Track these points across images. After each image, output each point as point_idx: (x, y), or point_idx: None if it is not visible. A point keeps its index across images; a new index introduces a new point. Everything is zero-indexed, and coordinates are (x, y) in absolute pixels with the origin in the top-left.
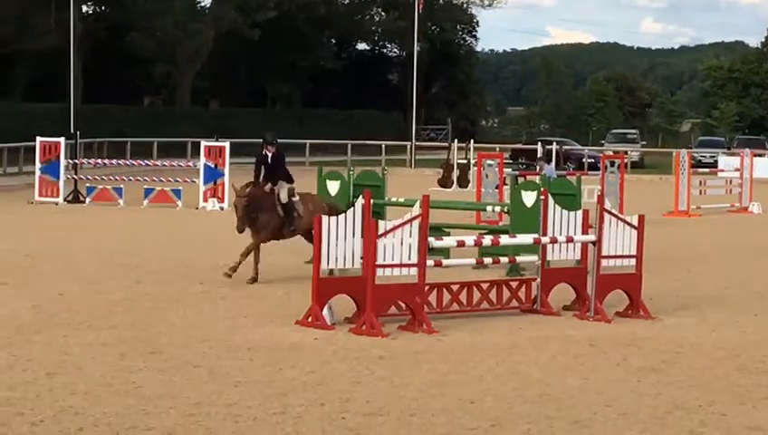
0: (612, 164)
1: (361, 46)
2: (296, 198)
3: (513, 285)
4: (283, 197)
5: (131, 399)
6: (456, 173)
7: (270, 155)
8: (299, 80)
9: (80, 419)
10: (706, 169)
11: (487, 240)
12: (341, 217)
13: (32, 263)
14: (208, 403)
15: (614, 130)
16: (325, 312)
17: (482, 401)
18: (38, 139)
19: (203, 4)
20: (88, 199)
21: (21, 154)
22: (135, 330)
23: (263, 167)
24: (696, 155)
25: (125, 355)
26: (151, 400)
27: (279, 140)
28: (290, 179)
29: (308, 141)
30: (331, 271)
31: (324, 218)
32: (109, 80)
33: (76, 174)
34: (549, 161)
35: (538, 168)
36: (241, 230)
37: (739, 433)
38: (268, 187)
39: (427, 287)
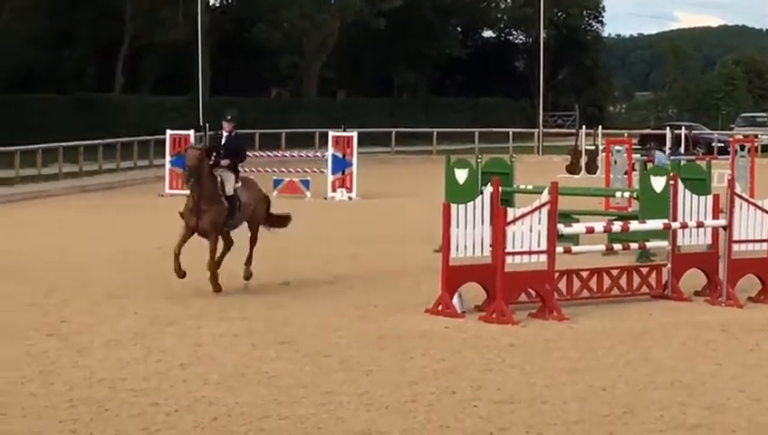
0: (742, 148)
1: (487, 34)
2: (239, 185)
3: (644, 270)
4: (229, 189)
5: (264, 388)
6: (584, 159)
7: (225, 134)
8: (425, 68)
9: (213, 409)
10: None
11: (617, 226)
12: (470, 204)
13: (163, 255)
14: (340, 392)
15: (744, 114)
16: (455, 300)
17: (613, 388)
18: (168, 131)
19: None
20: None
21: (151, 147)
22: (266, 320)
23: (216, 150)
24: None
25: (256, 346)
26: (283, 389)
27: (405, 129)
28: (237, 162)
29: (435, 130)
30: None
31: (453, 207)
32: (235, 72)
33: None
34: (660, 148)
35: (648, 155)
36: (187, 182)
37: None
38: (225, 162)
39: (556, 274)
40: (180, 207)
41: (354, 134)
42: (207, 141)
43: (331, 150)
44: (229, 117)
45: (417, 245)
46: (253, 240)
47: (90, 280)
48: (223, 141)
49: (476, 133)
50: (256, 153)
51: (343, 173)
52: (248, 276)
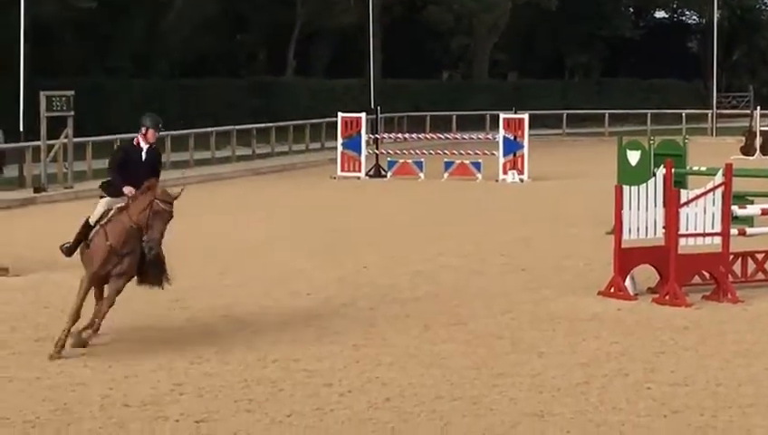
0: None
1: (659, 14)
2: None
3: (759, 257)
4: (96, 213)
5: (436, 369)
6: (759, 141)
7: (146, 147)
8: (597, 50)
9: (387, 389)
10: None
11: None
12: (642, 186)
13: (337, 237)
14: (512, 374)
15: None
16: (628, 282)
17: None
18: (339, 114)
19: None
20: (389, 173)
21: (323, 130)
22: (438, 302)
23: (132, 167)
24: None
25: (429, 327)
26: (456, 370)
27: (576, 111)
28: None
29: (606, 112)
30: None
31: (626, 188)
32: (407, 54)
33: (377, 148)
34: None
35: None
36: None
37: None
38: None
39: (731, 256)
40: (347, 190)
41: (525, 116)
42: (120, 155)
43: (502, 132)
44: (155, 123)
45: (588, 227)
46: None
47: (263, 262)
48: (143, 156)
49: (649, 115)
50: (427, 135)
51: (514, 155)
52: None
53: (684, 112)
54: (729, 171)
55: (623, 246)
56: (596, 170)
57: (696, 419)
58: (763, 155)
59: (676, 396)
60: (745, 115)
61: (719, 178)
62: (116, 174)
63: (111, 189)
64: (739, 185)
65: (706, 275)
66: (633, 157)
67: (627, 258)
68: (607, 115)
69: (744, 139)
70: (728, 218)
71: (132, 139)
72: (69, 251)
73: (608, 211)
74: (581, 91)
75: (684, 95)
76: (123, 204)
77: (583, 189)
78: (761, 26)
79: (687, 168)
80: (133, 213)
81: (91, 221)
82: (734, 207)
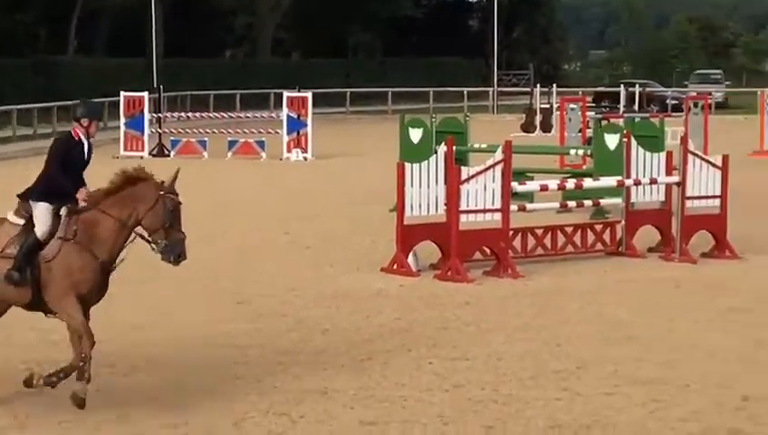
0: (696, 105)
1: None
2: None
3: (598, 227)
4: (45, 224)
5: (219, 349)
6: (538, 118)
7: (87, 143)
8: (379, 29)
9: (168, 369)
10: None
11: (571, 184)
12: (424, 164)
13: None
14: (296, 351)
15: (697, 71)
16: (410, 259)
17: (568, 344)
18: (122, 94)
19: None
20: (172, 153)
21: (105, 109)
22: (220, 281)
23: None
24: None
25: (212, 306)
26: (240, 349)
27: (360, 89)
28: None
29: (390, 90)
30: None
31: (407, 166)
32: (190, 33)
33: (160, 128)
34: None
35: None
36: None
37: None
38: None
39: (511, 232)
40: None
41: (309, 95)
42: (62, 151)
43: (285, 111)
44: (97, 113)
45: (372, 204)
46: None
47: None
48: (85, 153)
49: (431, 93)
50: (211, 114)
51: (298, 134)
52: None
53: (465, 90)
54: (508, 148)
55: (405, 222)
56: (379, 148)
57: (476, 392)
58: (543, 132)
59: (457, 370)
60: (525, 93)
61: (499, 155)
62: (60, 174)
63: (51, 195)
64: (519, 162)
65: (487, 250)
66: (415, 134)
67: (409, 235)
68: (390, 93)
69: (524, 116)
70: (508, 195)
71: (67, 131)
72: (19, 281)
73: (391, 188)
74: (365, 70)
75: (465, 73)
76: (77, 208)
77: (367, 167)
78: (540, 4)
79: (468, 145)
80: (125, 215)
81: (40, 234)
82: (514, 184)
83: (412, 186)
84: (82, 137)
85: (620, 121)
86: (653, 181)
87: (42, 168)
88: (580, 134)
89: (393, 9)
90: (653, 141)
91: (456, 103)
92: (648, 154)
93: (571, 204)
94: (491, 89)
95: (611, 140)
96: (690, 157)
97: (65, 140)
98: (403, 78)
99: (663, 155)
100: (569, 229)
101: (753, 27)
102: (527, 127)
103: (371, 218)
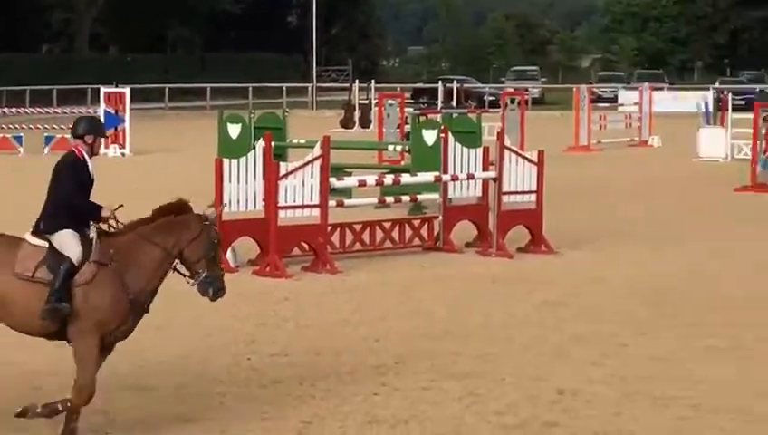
0: (513, 101)
1: None
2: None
3: (416, 223)
4: (75, 245)
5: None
6: (357, 114)
7: (90, 162)
8: (198, 24)
9: None
10: (606, 104)
11: (389, 179)
12: (242, 159)
13: None
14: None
15: (514, 68)
16: (228, 254)
17: (386, 340)
18: None
19: None
20: None
21: None
22: None
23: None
24: (595, 90)
25: None
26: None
27: (178, 85)
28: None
29: (209, 86)
30: None
31: (225, 162)
32: (6, 29)
33: None
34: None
35: None
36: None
37: (639, 363)
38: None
39: (329, 228)
40: None
41: (126, 90)
42: (73, 173)
43: (103, 107)
44: (102, 130)
45: (189, 200)
46: None
47: None
48: (91, 173)
49: (250, 89)
50: (27, 110)
51: (116, 129)
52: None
53: (285, 86)
54: (326, 144)
55: (224, 218)
56: (198, 144)
57: (295, 388)
58: (362, 128)
59: (276, 366)
60: (344, 89)
61: (317, 151)
62: (78, 197)
63: (69, 222)
64: (337, 157)
65: (306, 246)
66: (233, 130)
67: (228, 231)
68: (209, 89)
69: (343, 112)
70: (326, 190)
71: (68, 152)
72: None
73: (209, 184)
74: (184, 66)
75: (285, 69)
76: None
77: (185, 163)
78: (359, 1)
79: (287, 141)
80: (170, 244)
81: (76, 258)
82: (333, 179)
83: (230, 181)
84: (86, 155)
85: (438, 117)
86: (470, 177)
87: (48, 196)
88: (398, 130)
89: (212, 4)
90: (470, 137)
91: (276, 99)
92: (465, 150)
93: (390, 199)
94: (310, 85)
95: (429, 136)
96: (506, 152)
97: (73, 162)
98: (223, 74)
99: (480, 151)
100: (387, 225)
101: (568, 24)
102: (346, 123)
103: None
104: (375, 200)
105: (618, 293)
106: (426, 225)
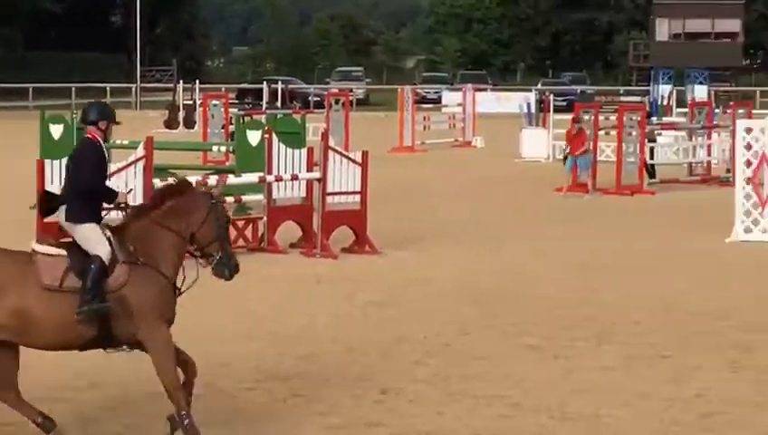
0: (337, 102)
1: None
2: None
3: (240, 224)
4: (102, 241)
5: None
6: (181, 114)
7: (105, 146)
8: (19, 22)
9: None
10: (430, 105)
11: (212, 180)
12: (64, 161)
13: None
14: None
15: (339, 68)
16: None
17: (210, 341)
18: None
19: None
20: None
21: None
22: None
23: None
24: (420, 91)
25: None
26: None
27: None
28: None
29: (31, 86)
30: None
31: (47, 163)
32: None
33: None
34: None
35: None
36: None
37: (462, 362)
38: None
39: None
40: None
41: None
42: (95, 158)
43: None
44: (113, 114)
45: (10, 201)
46: None
47: None
48: (107, 157)
49: (73, 89)
50: None
51: None
52: None
53: (108, 86)
54: (150, 145)
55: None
56: (20, 145)
57: (117, 392)
58: (186, 128)
59: (98, 369)
60: (169, 89)
61: (140, 152)
62: (102, 184)
63: (93, 211)
64: (161, 158)
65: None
66: (56, 131)
67: (48, 231)
68: (31, 89)
69: (167, 112)
70: (150, 192)
71: (85, 137)
72: (108, 312)
73: (33, 185)
74: (5, 65)
75: (108, 69)
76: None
77: (6, 164)
78: (184, 1)
79: (110, 141)
80: (182, 227)
81: (105, 256)
82: (156, 181)
83: (52, 183)
84: (101, 140)
85: (263, 118)
86: (294, 177)
87: (67, 184)
88: (222, 130)
89: (33, 2)
90: (294, 138)
91: (100, 99)
92: (289, 150)
93: None
94: (134, 85)
95: (253, 137)
96: (330, 153)
97: (92, 146)
98: (45, 73)
99: (304, 151)
100: None
101: (393, 25)
102: (170, 123)
103: (10, 216)
104: None
105: (441, 293)
106: (250, 226)
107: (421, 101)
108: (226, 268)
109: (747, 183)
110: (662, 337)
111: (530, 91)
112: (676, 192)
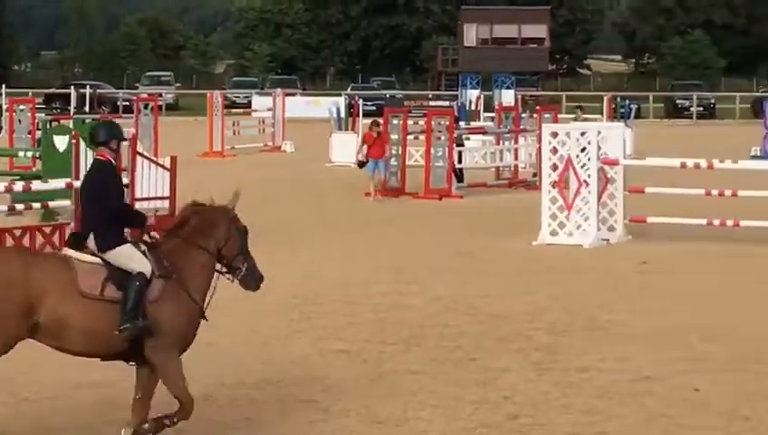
0: (146, 106)
1: None
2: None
3: (47, 230)
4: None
5: None
6: None
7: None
8: None
9: None
10: (240, 110)
11: (19, 186)
12: None
13: None
14: None
15: (148, 73)
16: None
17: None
18: None
19: None
20: None
21: None
22: None
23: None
24: (229, 96)
25: None
26: None
27: None
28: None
29: None
30: None
31: None
32: None
33: None
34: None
35: None
36: None
37: (275, 367)
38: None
39: None
40: None
41: None
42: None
43: None
44: (120, 137)
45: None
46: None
47: None
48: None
49: None
50: None
51: None
52: None
53: None
54: None
55: None
56: None
57: None
58: None
59: None
60: None
61: None
62: (124, 205)
63: (121, 234)
64: None
65: None
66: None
67: None
68: None
69: None
70: None
71: (98, 159)
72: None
73: None
74: None
75: None
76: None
77: None
78: None
79: None
80: (211, 244)
81: (148, 272)
82: None
83: None
84: (113, 160)
85: (70, 123)
86: None
87: (89, 211)
88: (29, 136)
89: None
90: None
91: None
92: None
93: (20, 207)
94: None
95: (61, 142)
96: (139, 158)
97: (108, 168)
98: None
99: None
100: (17, 232)
101: (202, 30)
102: None
103: None
104: (5, 208)
105: (252, 297)
106: (57, 232)
107: (231, 105)
108: (252, 280)
109: (553, 187)
110: (469, 340)
111: (339, 95)
112: (483, 196)
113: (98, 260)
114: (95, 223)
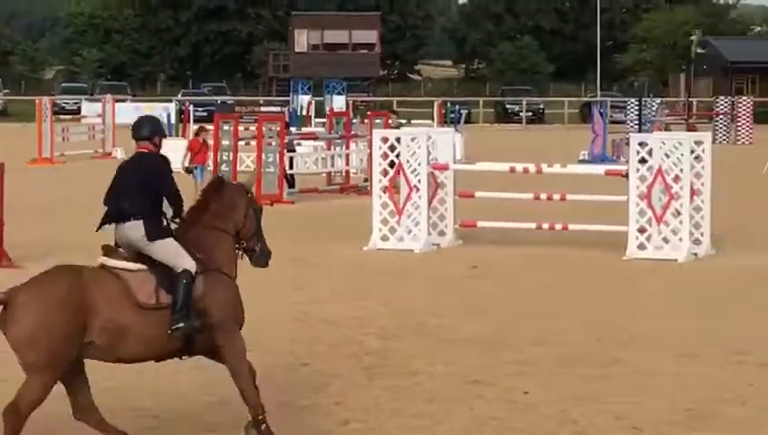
0: None
1: None
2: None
3: None
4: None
5: None
6: None
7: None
8: None
9: None
10: (70, 116)
11: None
12: None
13: None
14: None
15: None
16: None
17: None
18: None
19: None
20: None
21: None
22: None
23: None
24: (59, 102)
25: None
26: None
27: None
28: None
29: None
30: None
31: None
32: None
33: None
34: None
35: None
36: None
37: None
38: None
39: None
40: None
41: None
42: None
43: None
44: (162, 132)
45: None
46: None
47: None
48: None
49: None
50: None
51: None
52: None
53: None
54: None
55: None
56: None
57: None
58: None
59: None
60: None
61: None
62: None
63: (161, 225)
64: None
65: None
66: None
67: None
68: None
69: None
70: None
71: (143, 152)
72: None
73: None
74: None
75: None
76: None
77: None
78: None
79: None
80: (230, 227)
81: (192, 268)
82: None
83: None
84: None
85: None
86: None
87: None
88: None
89: None
90: None
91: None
92: None
93: None
94: None
95: None
96: None
97: (160, 157)
98: None
99: None
100: None
101: (31, 35)
102: None
103: None
104: None
105: None
106: None
107: (60, 111)
108: (263, 257)
109: (384, 192)
110: (301, 346)
111: (170, 101)
112: (315, 201)
113: (139, 266)
114: (146, 209)
